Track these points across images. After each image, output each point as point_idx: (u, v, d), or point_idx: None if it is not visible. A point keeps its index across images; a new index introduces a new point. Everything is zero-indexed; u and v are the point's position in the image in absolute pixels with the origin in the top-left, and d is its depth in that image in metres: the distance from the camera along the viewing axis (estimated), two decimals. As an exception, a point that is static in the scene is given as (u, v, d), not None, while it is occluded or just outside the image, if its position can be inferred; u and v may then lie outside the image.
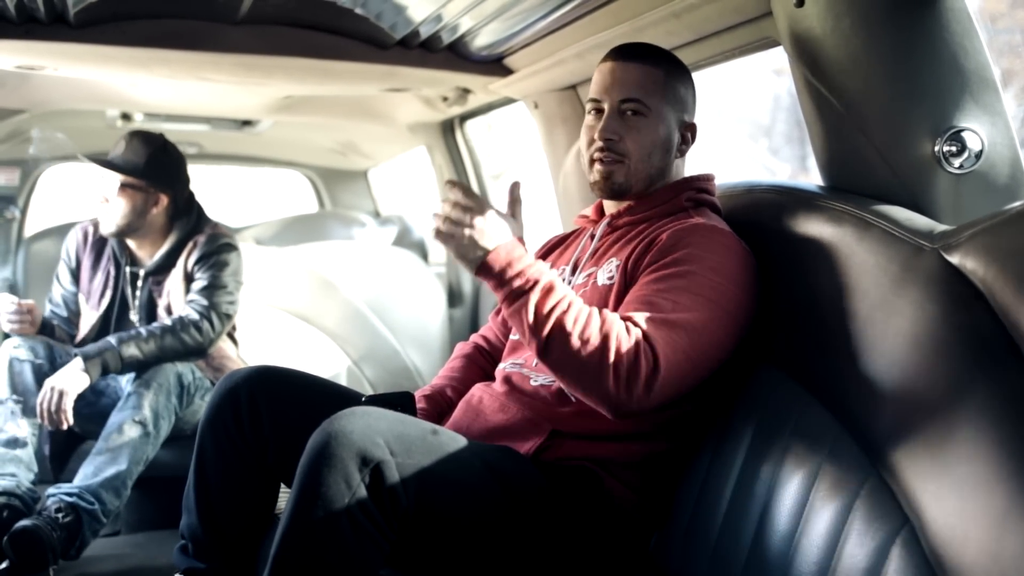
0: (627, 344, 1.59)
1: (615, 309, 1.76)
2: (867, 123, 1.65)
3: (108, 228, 3.00)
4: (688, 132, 1.92)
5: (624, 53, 1.91)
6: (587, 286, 1.86)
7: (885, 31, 1.61)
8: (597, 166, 1.90)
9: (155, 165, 2.98)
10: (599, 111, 1.90)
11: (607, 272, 1.84)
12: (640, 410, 1.62)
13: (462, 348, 2.17)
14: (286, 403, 1.87)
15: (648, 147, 1.87)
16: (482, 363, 2.12)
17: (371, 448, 1.50)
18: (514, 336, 1.99)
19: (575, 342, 1.60)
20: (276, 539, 1.53)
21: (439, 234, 1.66)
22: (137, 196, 2.98)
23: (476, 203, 1.65)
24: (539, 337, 1.62)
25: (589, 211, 2.04)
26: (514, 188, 1.75)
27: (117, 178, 2.96)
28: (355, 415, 1.55)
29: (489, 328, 2.18)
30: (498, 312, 2.18)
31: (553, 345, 1.61)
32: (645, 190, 1.90)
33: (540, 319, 1.62)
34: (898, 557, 1.30)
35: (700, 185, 1.91)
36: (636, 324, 1.63)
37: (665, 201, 1.89)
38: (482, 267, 1.65)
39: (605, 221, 1.95)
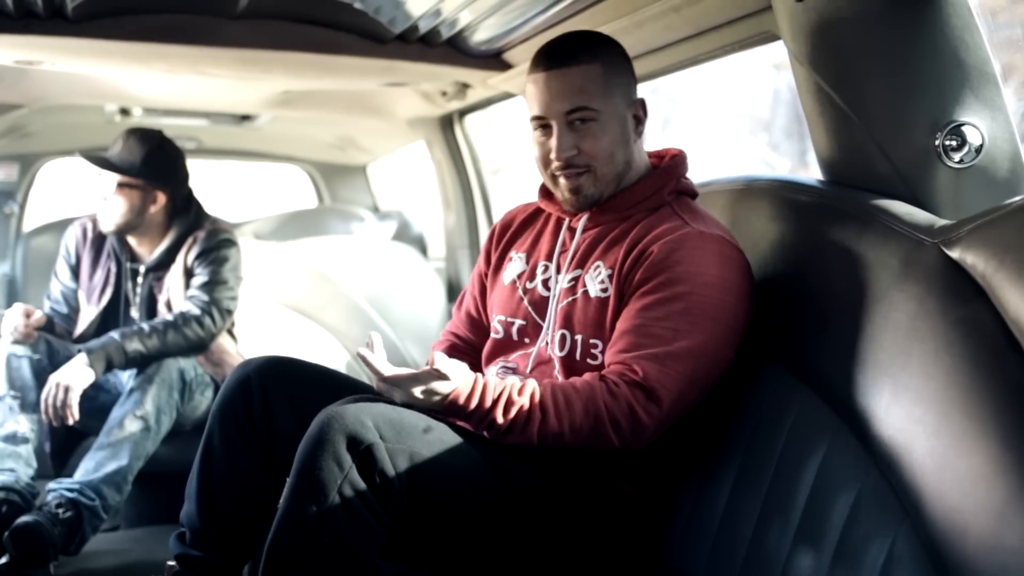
0: (618, 408, 1.63)
1: (612, 324, 1.74)
2: (867, 117, 1.65)
3: (107, 226, 3.00)
4: (639, 111, 1.83)
5: (555, 59, 1.78)
6: (576, 294, 1.80)
7: (885, 25, 1.61)
8: (563, 182, 1.81)
9: (152, 163, 2.98)
10: (545, 127, 1.79)
11: (598, 281, 1.79)
12: (654, 438, 1.68)
13: (438, 347, 2.11)
14: (298, 394, 1.85)
15: (609, 150, 1.78)
16: (464, 358, 2.02)
17: (360, 430, 1.53)
18: (496, 335, 1.93)
19: (568, 436, 1.64)
20: (273, 524, 1.56)
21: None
22: (135, 195, 2.97)
23: (396, 381, 1.63)
24: (529, 445, 1.66)
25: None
26: (437, 365, 1.64)
27: (115, 177, 2.96)
28: (350, 401, 1.58)
29: (455, 324, 2.11)
30: (459, 306, 2.11)
31: (551, 444, 1.65)
32: (616, 190, 1.82)
33: (527, 438, 1.65)
34: (898, 552, 1.30)
35: (679, 174, 1.84)
36: (627, 372, 1.65)
37: (648, 196, 1.81)
38: (449, 411, 1.65)
39: (586, 216, 1.85)
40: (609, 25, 2.24)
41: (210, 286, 2.96)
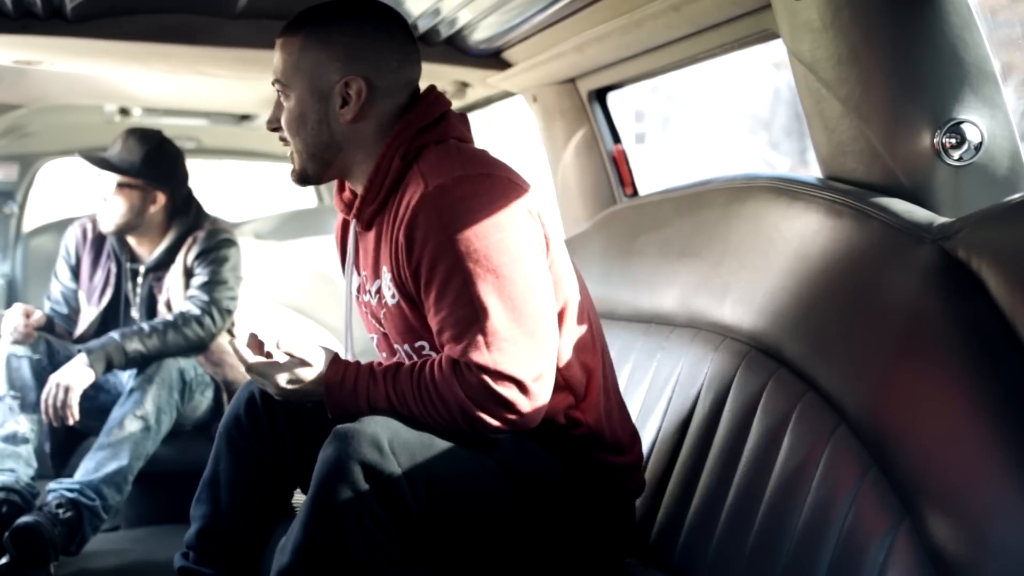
0: (481, 397, 1.56)
1: (421, 322, 1.67)
2: (866, 115, 1.65)
3: (107, 227, 3.00)
4: (347, 91, 1.68)
5: (281, 29, 1.76)
6: (384, 305, 1.73)
7: (884, 23, 1.61)
8: None
9: (152, 163, 2.98)
10: None
11: (388, 287, 1.70)
12: (545, 403, 1.60)
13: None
14: (306, 409, 1.82)
15: (293, 127, 1.71)
16: None
17: (378, 459, 1.50)
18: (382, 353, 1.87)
19: (451, 426, 1.59)
20: (288, 546, 1.54)
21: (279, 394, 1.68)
22: (135, 195, 2.98)
23: (262, 371, 1.65)
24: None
25: (344, 192, 1.83)
26: (283, 348, 1.66)
27: (114, 177, 2.96)
28: (363, 423, 1.53)
29: None
30: None
31: (431, 428, 1.60)
32: (323, 168, 1.74)
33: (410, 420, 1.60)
34: (898, 550, 1.30)
35: (413, 126, 1.69)
36: (471, 365, 1.56)
37: (386, 172, 1.68)
38: (331, 409, 1.65)
39: (354, 220, 1.78)
40: (609, 23, 2.24)
41: (210, 286, 2.97)
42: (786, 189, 1.82)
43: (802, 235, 1.70)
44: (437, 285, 1.58)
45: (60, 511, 2.54)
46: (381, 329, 1.79)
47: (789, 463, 1.55)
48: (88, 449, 2.75)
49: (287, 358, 1.66)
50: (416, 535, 1.56)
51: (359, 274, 1.83)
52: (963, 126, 1.59)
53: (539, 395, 1.59)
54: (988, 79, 1.60)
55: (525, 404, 1.57)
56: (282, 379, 1.64)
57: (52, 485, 2.62)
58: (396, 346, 1.76)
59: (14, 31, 2.45)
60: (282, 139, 1.76)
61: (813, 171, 1.87)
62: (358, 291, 1.84)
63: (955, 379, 1.30)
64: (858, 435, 1.44)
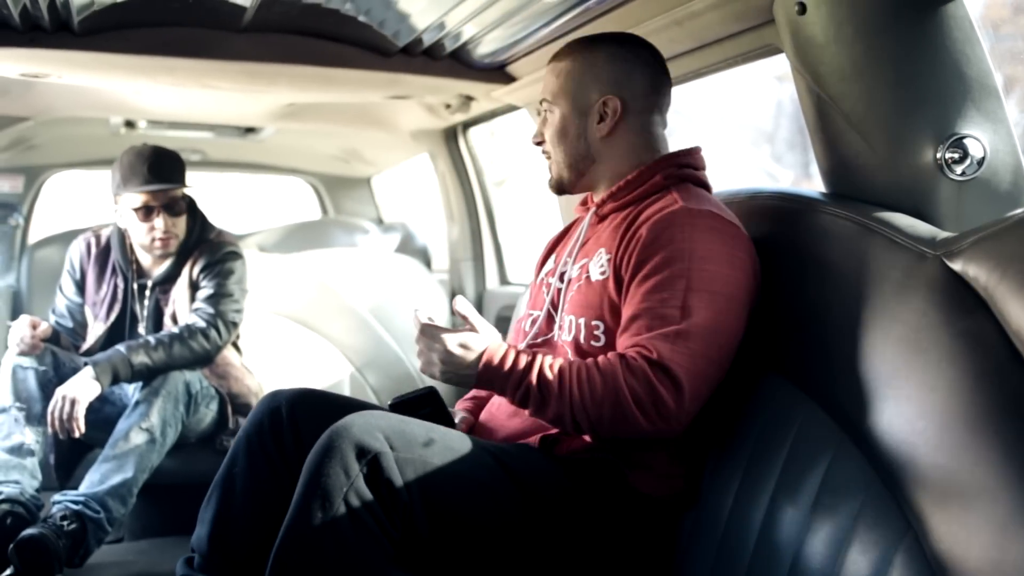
0: (638, 384, 1.62)
1: (611, 305, 1.77)
2: (869, 130, 1.65)
3: (172, 247, 3.00)
4: (605, 109, 1.89)
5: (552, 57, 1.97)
6: (581, 280, 1.85)
7: (887, 38, 1.61)
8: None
9: (182, 169, 3.01)
10: None
11: (599, 265, 1.83)
12: (687, 422, 1.65)
13: None
14: (328, 427, 1.85)
15: (555, 139, 1.93)
16: None
17: (369, 440, 1.55)
18: (522, 330, 1.98)
19: (592, 411, 1.64)
20: (280, 531, 1.57)
21: (441, 376, 1.74)
22: (184, 203, 3.01)
23: (433, 333, 1.73)
24: (561, 423, 1.69)
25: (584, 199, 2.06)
26: (459, 308, 1.76)
27: (165, 196, 2.95)
28: (360, 414, 1.59)
29: None
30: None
31: (575, 422, 1.67)
32: (578, 178, 1.94)
33: (548, 411, 1.68)
34: (901, 565, 1.30)
35: (681, 161, 1.88)
36: (643, 351, 1.64)
37: (644, 182, 1.87)
38: (480, 382, 1.72)
39: (592, 210, 1.96)
40: (612, 38, 2.24)
41: (215, 299, 2.97)
42: (789, 204, 1.82)
43: (805, 249, 1.71)
44: (657, 279, 1.69)
45: (65, 523, 2.54)
46: (555, 308, 1.90)
47: (791, 477, 1.55)
48: (93, 461, 2.75)
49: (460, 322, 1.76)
50: (412, 529, 1.57)
51: (555, 261, 2.00)
52: (965, 141, 1.60)
53: (688, 410, 1.64)
54: (990, 94, 1.60)
55: (673, 410, 1.62)
56: (452, 342, 1.71)
57: (57, 497, 2.62)
58: (569, 317, 1.84)
59: (22, 44, 2.46)
60: (544, 152, 1.98)
61: (817, 184, 1.87)
62: (547, 274, 1.99)
63: (957, 393, 1.30)
64: (861, 449, 1.44)
